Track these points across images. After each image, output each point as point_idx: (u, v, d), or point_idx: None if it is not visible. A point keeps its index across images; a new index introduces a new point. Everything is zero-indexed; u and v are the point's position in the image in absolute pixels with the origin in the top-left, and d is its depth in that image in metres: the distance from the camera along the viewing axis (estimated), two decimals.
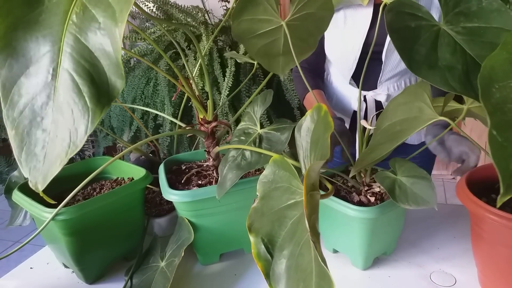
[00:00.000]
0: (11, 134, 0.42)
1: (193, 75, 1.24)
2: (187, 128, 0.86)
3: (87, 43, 0.41)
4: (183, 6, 1.74)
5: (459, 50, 0.57)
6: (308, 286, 0.43)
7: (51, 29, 0.42)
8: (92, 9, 0.41)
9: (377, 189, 0.77)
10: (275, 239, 0.50)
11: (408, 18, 0.59)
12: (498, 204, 0.41)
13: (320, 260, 0.42)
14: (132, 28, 1.53)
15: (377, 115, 0.73)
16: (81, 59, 0.41)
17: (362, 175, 0.78)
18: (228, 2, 1.85)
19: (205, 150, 0.84)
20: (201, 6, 1.86)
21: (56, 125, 0.41)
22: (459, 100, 0.79)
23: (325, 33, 0.80)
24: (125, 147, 1.12)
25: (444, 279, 0.75)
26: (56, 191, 0.84)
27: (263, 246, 0.50)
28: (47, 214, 0.69)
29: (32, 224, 0.90)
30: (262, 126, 0.76)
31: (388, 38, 0.99)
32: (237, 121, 0.94)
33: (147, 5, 1.71)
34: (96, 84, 0.41)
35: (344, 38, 1.03)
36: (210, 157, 0.83)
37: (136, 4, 0.43)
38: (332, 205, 0.73)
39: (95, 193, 0.86)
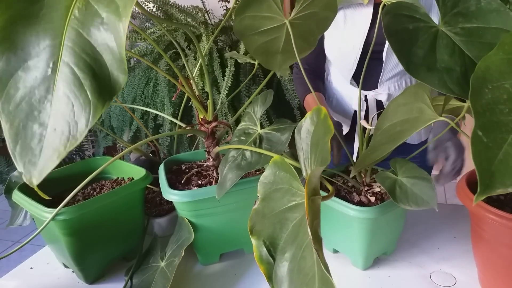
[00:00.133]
0: (5, 128, 0.41)
1: (193, 75, 1.24)
2: (187, 128, 0.86)
3: (89, 38, 0.41)
4: (183, 6, 1.74)
5: (458, 51, 0.57)
6: None
7: (52, 23, 0.42)
8: (95, 4, 0.41)
9: (378, 189, 0.77)
10: (277, 241, 0.50)
11: (406, 20, 0.59)
12: (474, 202, 0.43)
13: (322, 266, 0.42)
14: (132, 28, 1.53)
15: (378, 115, 0.73)
16: (83, 53, 0.41)
17: (363, 175, 0.78)
18: (228, 2, 1.85)
19: (205, 150, 0.84)
20: (201, 6, 1.86)
21: (54, 119, 0.41)
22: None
23: (325, 33, 0.80)
24: (125, 147, 1.12)
25: (444, 279, 0.75)
26: (56, 191, 0.84)
27: (265, 249, 0.49)
28: (47, 214, 0.69)
29: (32, 224, 0.90)
30: (262, 126, 0.76)
31: None
32: (237, 121, 0.94)
33: (147, 5, 1.71)
34: (98, 78, 0.41)
35: (344, 38, 1.03)
36: (210, 157, 0.83)
37: (137, 3, 0.43)
38: (332, 205, 0.73)
39: (95, 193, 0.86)
